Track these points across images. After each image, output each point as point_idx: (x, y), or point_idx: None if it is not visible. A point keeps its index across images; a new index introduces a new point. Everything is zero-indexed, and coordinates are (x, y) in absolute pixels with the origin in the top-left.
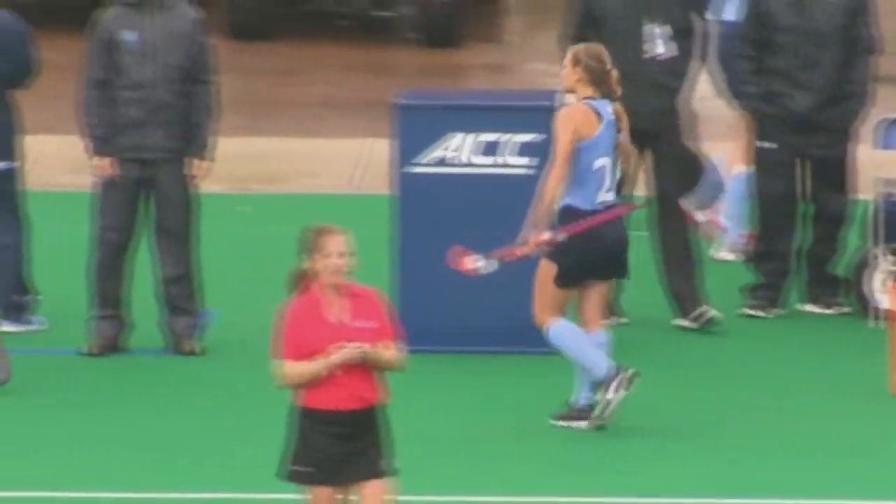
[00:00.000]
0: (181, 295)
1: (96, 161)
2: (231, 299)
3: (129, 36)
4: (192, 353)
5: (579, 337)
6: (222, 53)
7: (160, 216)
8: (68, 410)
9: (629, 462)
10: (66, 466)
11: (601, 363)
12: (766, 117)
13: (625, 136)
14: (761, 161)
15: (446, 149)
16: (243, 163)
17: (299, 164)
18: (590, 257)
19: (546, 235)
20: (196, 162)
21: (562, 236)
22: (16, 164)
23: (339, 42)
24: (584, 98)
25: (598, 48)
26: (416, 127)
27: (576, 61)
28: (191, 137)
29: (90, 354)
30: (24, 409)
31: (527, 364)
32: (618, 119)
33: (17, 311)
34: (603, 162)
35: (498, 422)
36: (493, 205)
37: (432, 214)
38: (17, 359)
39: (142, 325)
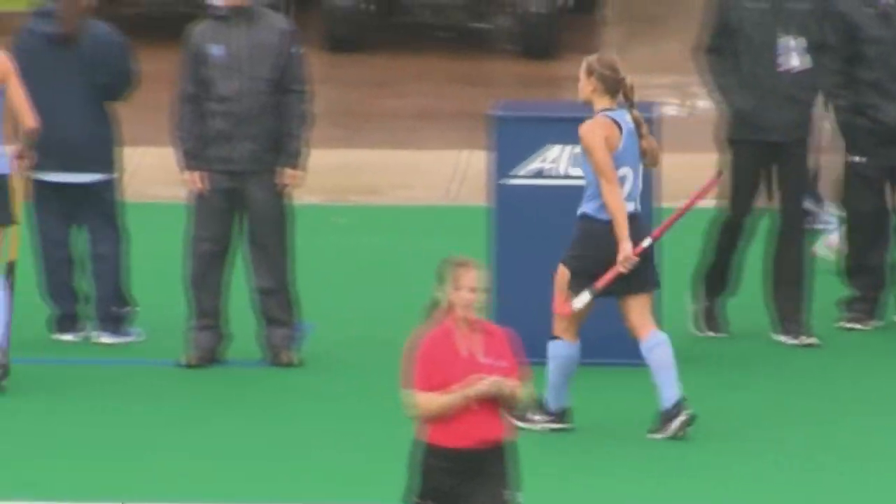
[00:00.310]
0: (277, 306)
1: (186, 175)
2: (327, 311)
3: (216, 49)
4: (289, 364)
5: (566, 365)
6: (319, 65)
7: (252, 228)
8: (166, 421)
9: (727, 470)
10: (165, 476)
11: (561, 400)
12: (855, 130)
13: (651, 140)
14: (852, 175)
15: (543, 160)
16: (339, 174)
17: (395, 175)
18: (604, 267)
19: (635, 247)
20: (288, 171)
21: (647, 241)
22: (114, 175)
23: (436, 54)
24: (602, 109)
25: (612, 58)
26: (514, 139)
27: (589, 72)
28: (282, 147)
29: (188, 366)
30: (123, 419)
31: (626, 376)
32: (637, 126)
33: (115, 323)
34: (624, 171)
35: (594, 431)
36: None
37: (529, 226)
38: (114, 370)
39: (240, 336)
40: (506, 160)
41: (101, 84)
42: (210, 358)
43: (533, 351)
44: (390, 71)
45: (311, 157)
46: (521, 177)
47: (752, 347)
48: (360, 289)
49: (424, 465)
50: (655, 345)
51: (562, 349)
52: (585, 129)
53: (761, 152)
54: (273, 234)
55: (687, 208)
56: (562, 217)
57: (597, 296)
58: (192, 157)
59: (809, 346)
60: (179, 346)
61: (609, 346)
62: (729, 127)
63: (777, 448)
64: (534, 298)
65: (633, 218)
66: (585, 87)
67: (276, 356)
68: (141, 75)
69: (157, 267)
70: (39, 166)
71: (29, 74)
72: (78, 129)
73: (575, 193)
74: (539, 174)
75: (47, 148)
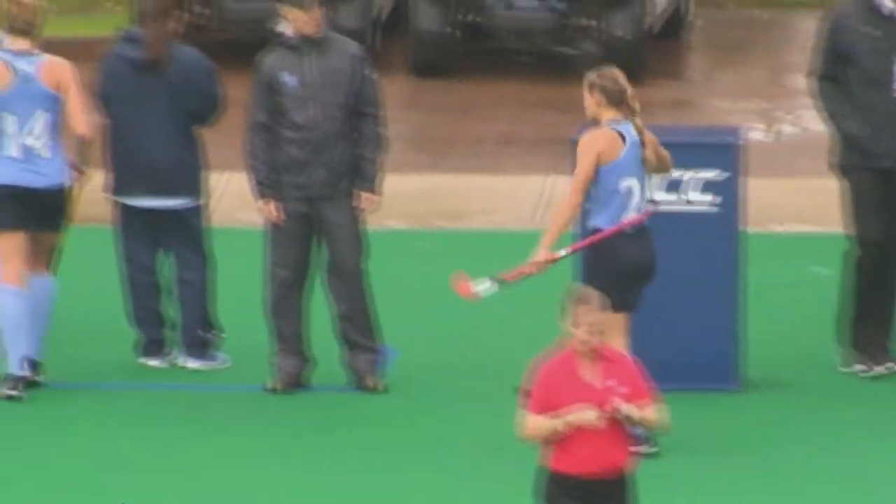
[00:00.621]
0: (357, 331)
1: (261, 204)
2: (412, 336)
3: (288, 79)
4: (374, 389)
5: None
6: (405, 90)
7: (330, 253)
8: (252, 446)
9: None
10: (254, 501)
11: None
12: None
13: (658, 150)
14: None
15: None
16: (424, 199)
17: (479, 200)
18: (619, 279)
19: (550, 254)
20: (364, 196)
21: (564, 252)
22: (201, 200)
23: (520, 79)
24: (608, 121)
25: (614, 70)
26: None
27: (591, 88)
28: (357, 171)
29: (274, 391)
30: (209, 446)
31: (712, 401)
32: (640, 135)
33: (201, 348)
34: (629, 183)
35: (674, 460)
36: (676, 242)
37: None
38: (201, 395)
39: (325, 360)
40: None
41: (187, 109)
42: (295, 383)
43: None
44: (474, 96)
45: (396, 182)
46: None
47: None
48: (443, 313)
49: (548, 492)
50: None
51: None
52: (584, 138)
53: (874, 178)
54: (350, 259)
55: (613, 233)
56: None
57: (501, 286)
58: (267, 186)
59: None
60: (265, 372)
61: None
62: (842, 153)
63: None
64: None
65: (641, 230)
66: (590, 105)
67: (361, 381)
68: (227, 100)
69: (243, 292)
70: (126, 191)
71: (116, 99)
72: (165, 154)
73: (660, 219)
74: None
75: (134, 173)
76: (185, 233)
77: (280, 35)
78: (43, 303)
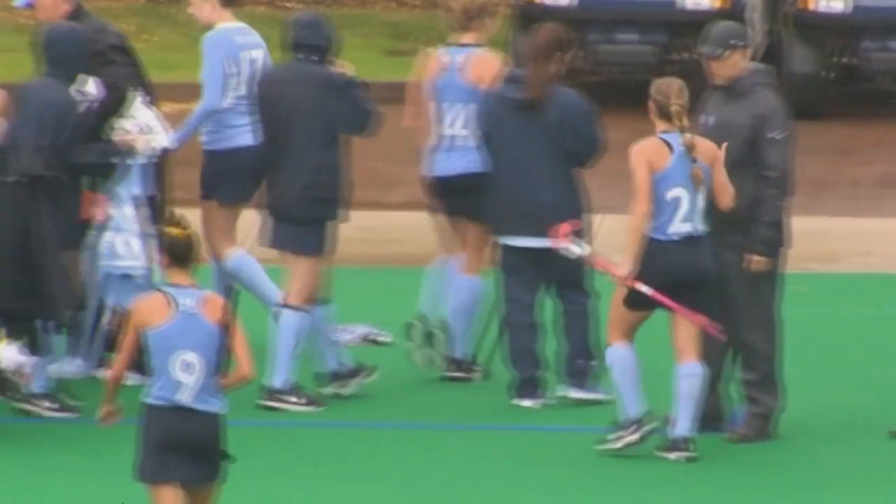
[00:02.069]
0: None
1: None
2: (809, 383)
3: (706, 118)
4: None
5: (628, 370)
6: None
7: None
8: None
9: None
10: None
11: (634, 405)
12: None
13: (700, 164)
14: None
15: None
16: (799, 241)
17: (854, 243)
18: (663, 286)
19: (634, 280)
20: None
21: (646, 289)
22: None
23: None
24: (659, 132)
25: (668, 83)
26: None
27: (649, 97)
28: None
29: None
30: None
31: None
32: (689, 149)
33: (581, 378)
34: (677, 192)
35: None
36: None
37: None
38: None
39: None
40: None
41: (567, 150)
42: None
43: None
44: (851, 139)
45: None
46: None
47: None
48: (816, 357)
49: None
50: (690, 375)
51: (613, 352)
52: (633, 149)
53: None
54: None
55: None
56: None
57: (585, 261)
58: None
59: None
60: None
61: None
62: None
63: None
64: None
65: (689, 239)
66: (650, 113)
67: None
68: (606, 143)
69: None
70: (508, 230)
71: (496, 138)
72: (546, 194)
73: None
74: None
75: (516, 212)
76: (567, 269)
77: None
78: (471, 303)
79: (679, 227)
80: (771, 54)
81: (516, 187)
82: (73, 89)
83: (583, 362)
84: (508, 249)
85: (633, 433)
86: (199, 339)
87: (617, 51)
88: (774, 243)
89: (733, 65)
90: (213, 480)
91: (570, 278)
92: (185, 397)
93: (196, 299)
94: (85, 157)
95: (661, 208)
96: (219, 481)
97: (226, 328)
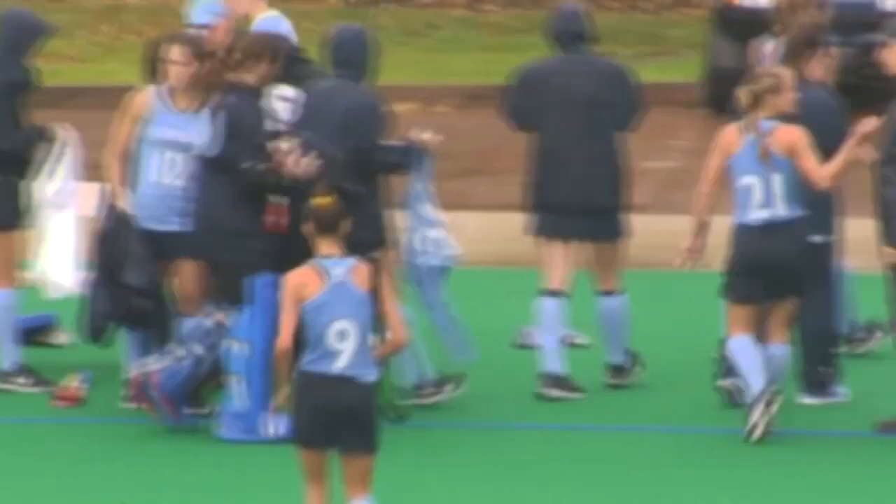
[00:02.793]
0: None
1: (886, 251)
2: None
3: None
4: None
5: (748, 355)
6: None
7: None
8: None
9: None
10: None
11: (755, 384)
12: None
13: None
14: None
15: None
16: None
17: None
18: (746, 272)
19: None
20: None
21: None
22: (832, 237)
23: None
24: (743, 119)
25: (768, 72)
26: None
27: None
28: None
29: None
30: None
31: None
32: (761, 137)
33: (819, 386)
34: (749, 180)
35: None
36: None
37: None
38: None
39: None
40: None
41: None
42: None
43: None
44: None
45: None
46: None
47: None
48: None
49: None
50: (779, 355)
51: (732, 344)
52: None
53: None
54: None
55: None
56: None
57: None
58: None
59: None
60: None
61: None
62: None
63: None
64: None
65: (769, 225)
66: None
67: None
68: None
69: None
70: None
71: None
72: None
73: None
74: None
75: None
76: (818, 268)
77: None
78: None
79: (756, 213)
80: None
81: None
82: (272, 95)
83: (822, 370)
84: None
85: (761, 412)
86: (352, 307)
87: None
88: None
89: None
90: (368, 449)
91: (817, 279)
92: (341, 364)
93: (345, 267)
94: (389, 157)
95: (736, 196)
96: (374, 450)
97: (375, 294)
